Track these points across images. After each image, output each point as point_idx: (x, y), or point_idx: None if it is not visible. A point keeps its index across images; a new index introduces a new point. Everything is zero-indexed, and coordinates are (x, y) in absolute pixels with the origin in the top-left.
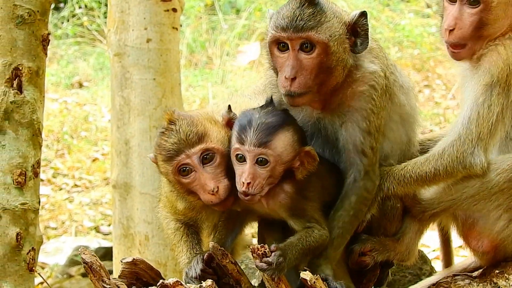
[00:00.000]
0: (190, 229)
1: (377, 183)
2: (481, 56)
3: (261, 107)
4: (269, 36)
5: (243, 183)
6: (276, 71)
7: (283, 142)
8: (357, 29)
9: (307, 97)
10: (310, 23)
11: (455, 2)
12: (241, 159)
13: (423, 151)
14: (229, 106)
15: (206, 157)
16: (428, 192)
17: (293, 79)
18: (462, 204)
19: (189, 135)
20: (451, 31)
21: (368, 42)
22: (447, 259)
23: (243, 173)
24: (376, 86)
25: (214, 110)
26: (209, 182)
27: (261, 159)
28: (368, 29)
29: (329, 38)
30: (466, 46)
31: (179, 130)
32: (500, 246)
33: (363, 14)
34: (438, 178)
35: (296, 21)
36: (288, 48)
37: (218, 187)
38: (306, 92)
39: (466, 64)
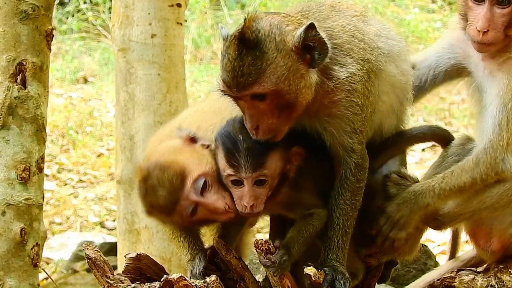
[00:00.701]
0: None
1: (367, 165)
2: (508, 59)
3: (240, 126)
4: (219, 84)
5: (246, 206)
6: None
7: (275, 158)
8: (309, 45)
9: (278, 136)
10: (251, 77)
11: (483, 2)
12: (238, 183)
13: None
14: (179, 127)
15: (200, 187)
16: (446, 207)
17: (256, 129)
18: (482, 214)
19: (172, 182)
20: (484, 32)
21: (327, 48)
22: (453, 251)
23: (244, 196)
24: (355, 87)
25: (170, 135)
26: (217, 204)
27: (259, 180)
28: (321, 37)
29: (277, 81)
30: (496, 44)
31: (160, 183)
32: (511, 246)
33: (309, 28)
34: (475, 186)
35: (237, 78)
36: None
37: (227, 203)
38: (274, 135)
39: (486, 66)
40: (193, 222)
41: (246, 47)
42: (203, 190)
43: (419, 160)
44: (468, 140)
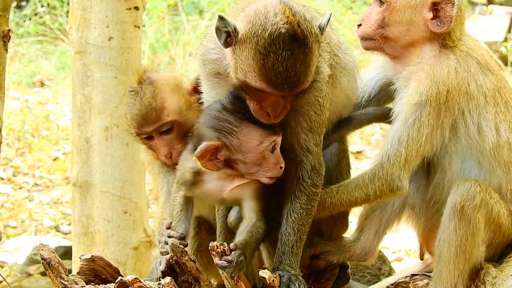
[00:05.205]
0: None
1: (323, 173)
2: (411, 74)
3: (241, 99)
4: (256, 83)
5: (281, 168)
6: (244, 91)
7: None
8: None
9: None
10: (302, 76)
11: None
12: (273, 149)
13: None
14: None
15: (163, 130)
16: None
17: (276, 116)
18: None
19: (148, 110)
20: (359, 25)
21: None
22: (422, 252)
23: (279, 160)
24: (323, 89)
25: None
26: (163, 149)
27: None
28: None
29: (315, 73)
30: (373, 40)
31: (142, 100)
32: None
33: (329, 18)
34: (368, 202)
35: (290, 78)
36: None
37: (171, 153)
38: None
39: (403, 78)
40: (144, 142)
41: (298, 45)
42: (164, 133)
43: None
44: None
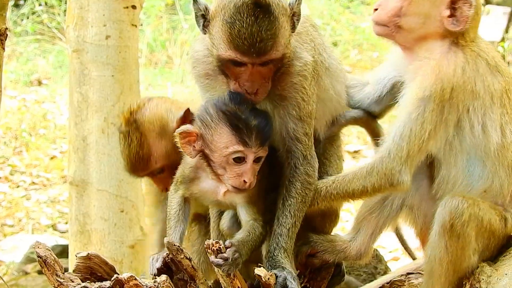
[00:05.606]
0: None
1: (316, 167)
2: (417, 68)
3: (236, 102)
4: (225, 52)
5: (246, 182)
6: (223, 73)
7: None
8: (294, 11)
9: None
10: (269, 43)
11: None
12: (240, 160)
13: None
14: (188, 109)
15: (154, 173)
16: None
17: (255, 93)
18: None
19: (136, 160)
20: (375, 9)
21: (300, 16)
22: (411, 254)
23: (245, 173)
24: (307, 75)
25: (172, 109)
26: (158, 185)
27: (259, 157)
28: (301, 2)
29: (285, 45)
30: (386, 27)
31: (130, 147)
32: None
33: None
34: (366, 194)
35: (256, 44)
36: (245, 64)
37: (167, 188)
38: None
39: (411, 73)
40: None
41: (262, 12)
42: (156, 174)
43: None
44: None
